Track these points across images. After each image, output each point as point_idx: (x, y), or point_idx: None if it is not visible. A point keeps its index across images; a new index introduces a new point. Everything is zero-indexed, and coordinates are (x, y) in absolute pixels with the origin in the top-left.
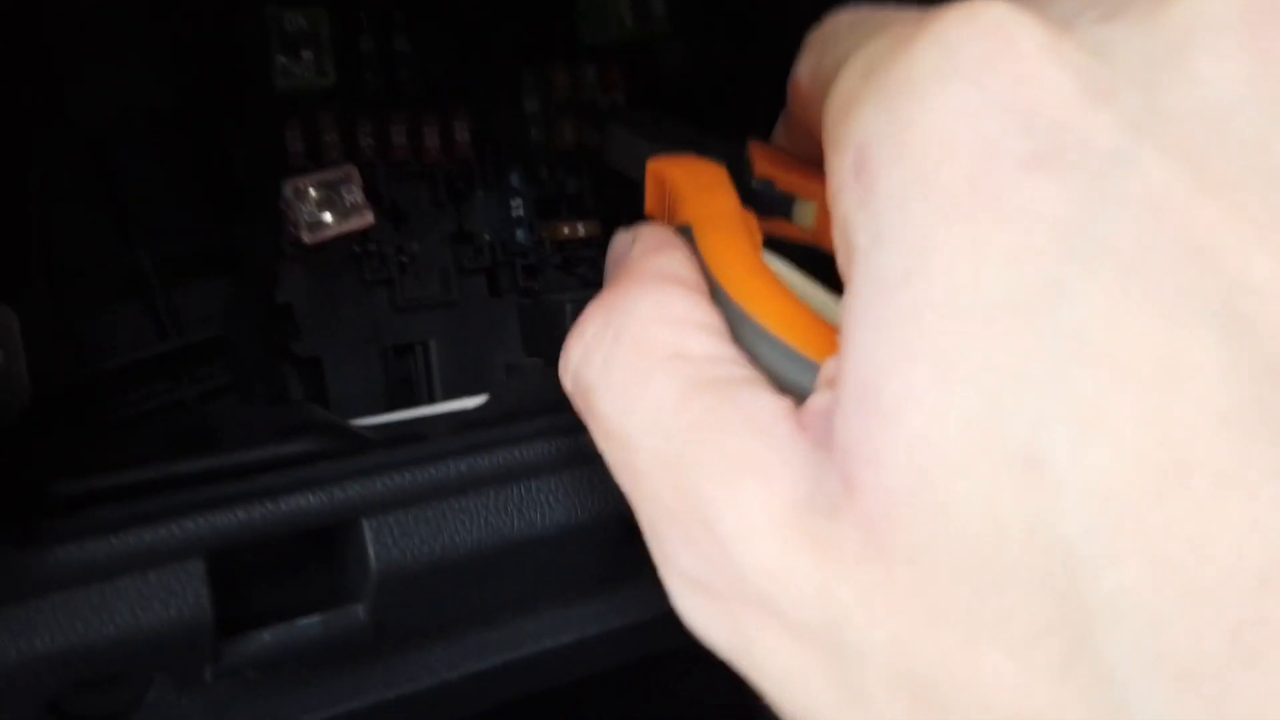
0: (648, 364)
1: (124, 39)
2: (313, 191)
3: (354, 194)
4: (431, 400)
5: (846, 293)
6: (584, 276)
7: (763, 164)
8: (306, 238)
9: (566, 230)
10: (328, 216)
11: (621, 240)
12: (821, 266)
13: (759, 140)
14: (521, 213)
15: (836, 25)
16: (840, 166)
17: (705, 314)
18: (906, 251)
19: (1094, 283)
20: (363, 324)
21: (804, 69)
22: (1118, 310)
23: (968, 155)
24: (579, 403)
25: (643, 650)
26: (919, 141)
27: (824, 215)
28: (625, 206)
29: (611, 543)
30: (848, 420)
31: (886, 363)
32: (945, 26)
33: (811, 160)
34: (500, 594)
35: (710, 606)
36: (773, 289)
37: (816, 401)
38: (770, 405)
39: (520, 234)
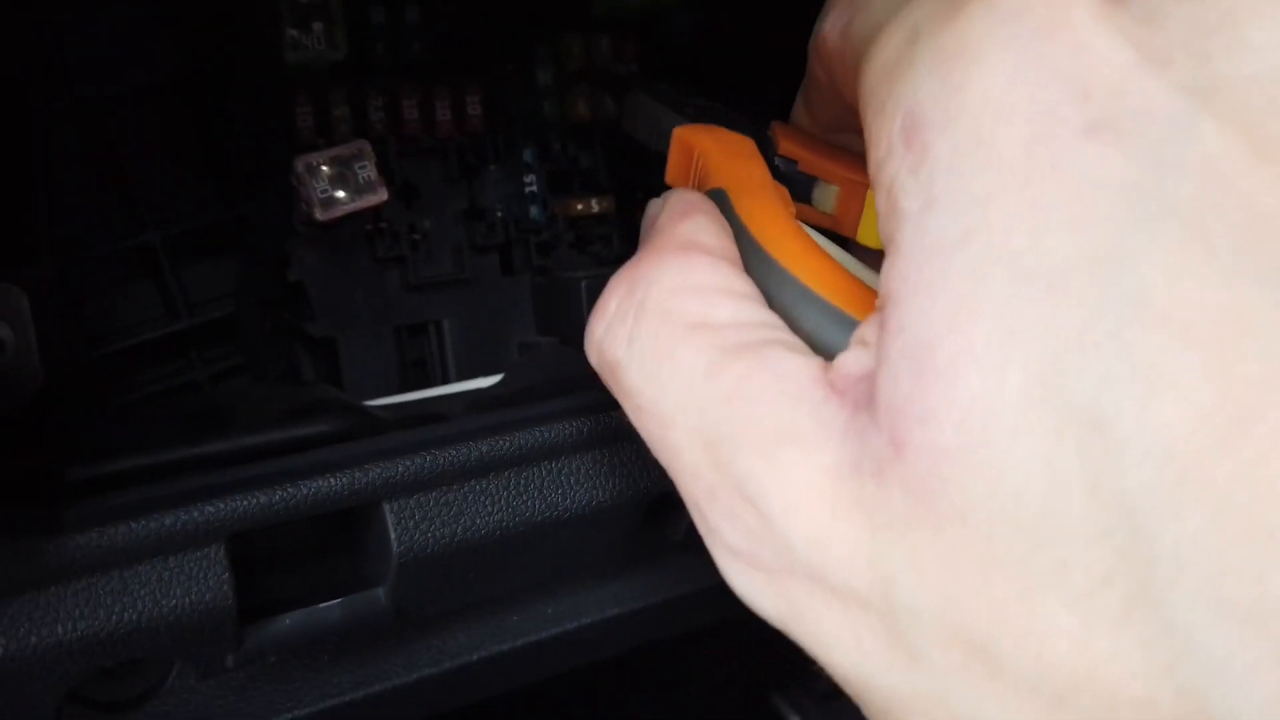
0: (673, 335)
1: (129, 12)
2: (325, 168)
3: (367, 170)
4: (445, 380)
5: (891, 255)
6: (597, 254)
7: (786, 143)
8: (320, 215)
9: (580, 206)
10: (340, 193)
11: (653, 207)
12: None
13: (781, 121)
14: (535, 189)
15: None
16: (886, 131)
17: (729, 280)
18: (963, 215)
19: (1156, 247)
20: (375, 303)
21: (832, 26)
22: (1180, 274)
23: (1025, 122)
24: (606, 377)
25: (662, 632)
26: (974, 108)
27: (845, 200)
28: (640, 181)
29: (632, 524)
30: (896, 380)
31: (943, 323)
32: None
33: (834, 125)
34: (520, 576)
35: (758, 578)
36: (813, 249)
37: (850, 363)
38: (801, 368)
39: (534, 211)
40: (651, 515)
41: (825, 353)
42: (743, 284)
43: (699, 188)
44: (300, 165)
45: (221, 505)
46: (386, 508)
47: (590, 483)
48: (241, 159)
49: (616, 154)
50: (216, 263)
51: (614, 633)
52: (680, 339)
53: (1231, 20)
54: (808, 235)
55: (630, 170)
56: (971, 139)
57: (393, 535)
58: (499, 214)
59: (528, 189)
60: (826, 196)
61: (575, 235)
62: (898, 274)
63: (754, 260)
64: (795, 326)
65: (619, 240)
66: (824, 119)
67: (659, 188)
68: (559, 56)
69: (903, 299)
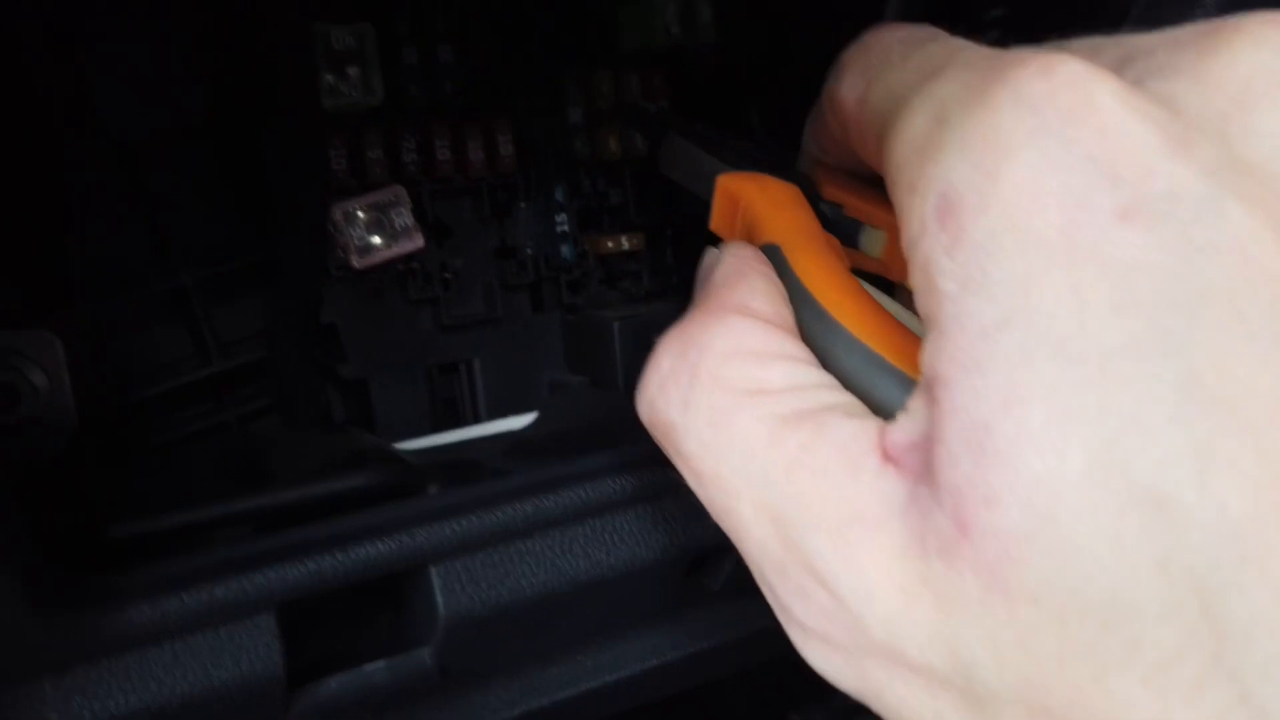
0: (730, 401)
1: (160, 54)
2: (361, 214)
3: (403, 216)
4: (476, 419)
5: (933, 334)
6: (627, 290)
7: (830, 188)
8: (356, 263)
9: (610, 244)
10: (377, 239)
11: (709, 257)
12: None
13: (825, 164)
14: (566, 228)
15: (885, 49)
16: (919, 211)
17: (782, 344)
18: (1005, 297)
19: (1198, 331)
20: (407, 344)
21: (849, 90)
22: (1223, 357)
23: (1059, 206)
24: (659, 437)
25: (697, 679)
26: (1009, 193)
27: (893, 245)
28: (670, 218)
29: (674, 577)
30: (955, 460)
31: (997, 404)
32: (1024, 80)
33: (843, 163)
34: (562, 633)
35: (834, 656)
36: (871, 306)
37: (901, 431)
38: (859, 435)
39: (565, 249)
40: (695, 567)
41: (884, 412)
42: (796, 348)
43: (748, 239)
44: (338, 213)
45: (272, 574)
46: (434, 570)
47: (634, 540)
48: (274, 200)
49: (647, 190)
50: (247, 302)
51: (652, 683)
52: (737, 406)
53: (1240, 106)
54: (865, 292)
55: (660, 206)
56: (1007, 222)
57: (440, 598)
58: (529, 251)
59: (559, 228)
60: (873, 241)
61: (605, 272)
62: (945, 355)
63: (811, 319)
64: (854, 385)
65: (649, 276)
66: (834, 159)
67: (690, 225)
68: (589, 93)
69: (953, 380)
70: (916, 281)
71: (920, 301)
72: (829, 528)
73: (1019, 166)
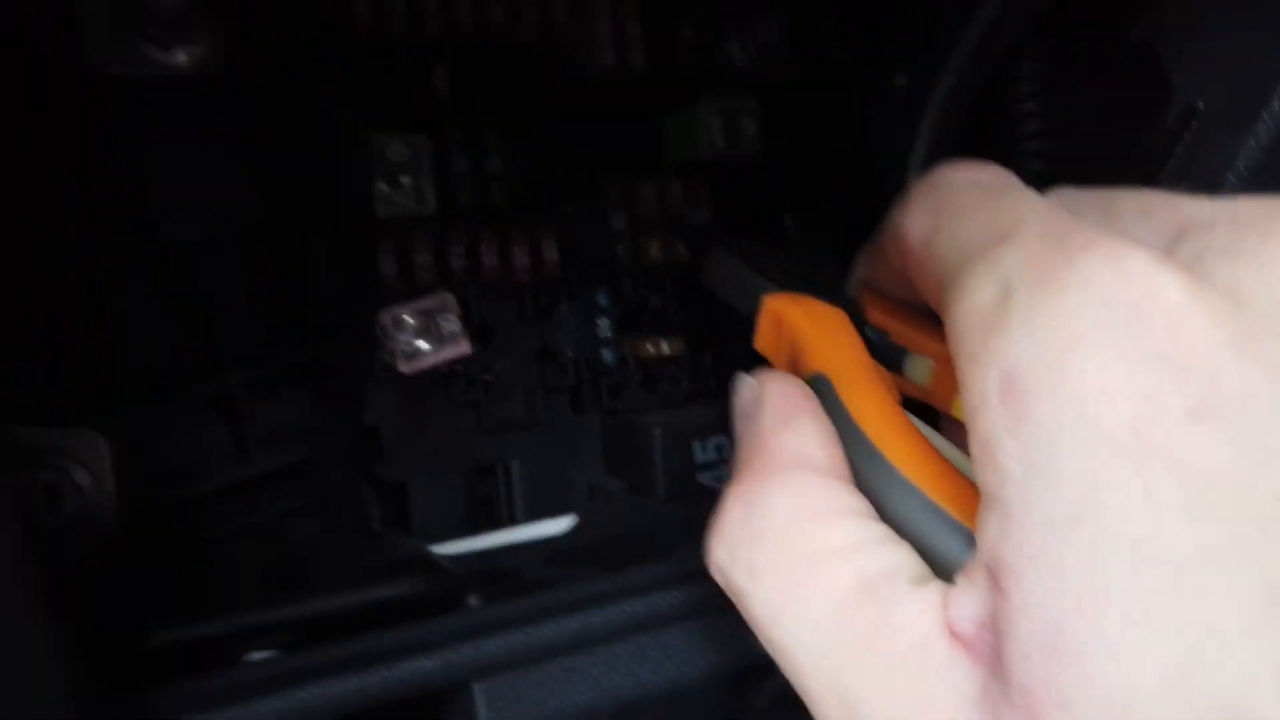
0: (795, 567)
1: (213, 157)
2: (410, 319)
3: (451, 323)
4: (513, 520)
5: (996, 514)
6: (667, 394)
7: (876, 314)
8: (404, 368)
9: (650, 348)
10: (424, 344)
11: (747, 392)
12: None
13: (871, 288)
14: (609, 334)
15: (960, 194)
16: (981, 383)
17: (842, 498)
18: (1074, 491)
19: (1271, 539)
20: (447, 445)
21: (915, 228)
22: None
23: (1128, 403)
24: (731, 597)
25: None
26: (1075, 382)
27: (940, 374)
28: (710, 323)
29: (720, 692)
30: (1028, 658)
31: (1070, 605)
32: (1093, 272)
33: (895, 290)
34: None
35: None
36: (924, 448)
37: (966, 607)
38: (924, 613)
39: (606, 354)
40: (742, 683)
41: (941, 564)
42: (853, 499)
43: (794, 365)
44: (386, 318)
45: (313, 691)
46: (477, 688)
47: (681, 657)
48: (322, 302)
49: (687, 295)
50: (290, 402)
51: None
52: (803, 575)
53: None
54: (918, 431)
55: (700, 311)
56: (1074, 413)
57: (482, 716)
58: (570, 355)
59: (601, 334)
60: (919, 369)
61: (644, 374)
62: (1011, 543)
63: (864, 459)
64: (908, 532)
65: (688, 380)
66: (886, 286)
67: (729, 330)
68: (632, 201)
69: (1021, 571)
70: (976, 451)
71: (980, 472)
72: (896, 718)
73: (1086, 358)
